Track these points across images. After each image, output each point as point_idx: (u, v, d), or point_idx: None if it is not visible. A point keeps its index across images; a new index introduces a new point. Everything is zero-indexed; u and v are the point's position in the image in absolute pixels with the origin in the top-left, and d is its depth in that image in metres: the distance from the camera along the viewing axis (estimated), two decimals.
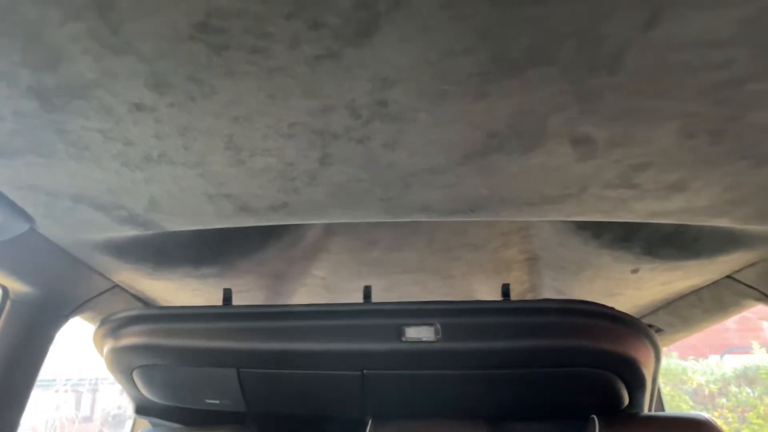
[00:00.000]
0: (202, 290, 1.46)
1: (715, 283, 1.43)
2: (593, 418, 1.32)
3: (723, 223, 1.03)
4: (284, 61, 0.62)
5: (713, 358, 8.36)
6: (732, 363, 7.99)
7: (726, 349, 8.99)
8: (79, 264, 1.21)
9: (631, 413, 1.38)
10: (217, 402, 1.39)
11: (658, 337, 1.33)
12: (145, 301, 1.51)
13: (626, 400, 1.36)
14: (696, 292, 1.52)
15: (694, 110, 0.71)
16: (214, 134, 0.75)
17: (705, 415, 1.30)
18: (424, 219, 1.05)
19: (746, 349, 8.36)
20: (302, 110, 0.71)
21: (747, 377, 7.63)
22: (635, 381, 1.31)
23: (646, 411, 1.43)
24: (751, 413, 7.31)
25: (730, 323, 9.09)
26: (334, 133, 0.76)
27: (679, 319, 1.69)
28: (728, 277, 1.38)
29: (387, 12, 0.55)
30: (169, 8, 0.54)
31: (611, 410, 1.37)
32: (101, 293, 1.33)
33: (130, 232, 1.04)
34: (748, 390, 7.52)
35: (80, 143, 0.76)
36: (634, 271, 1.40)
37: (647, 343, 1.29)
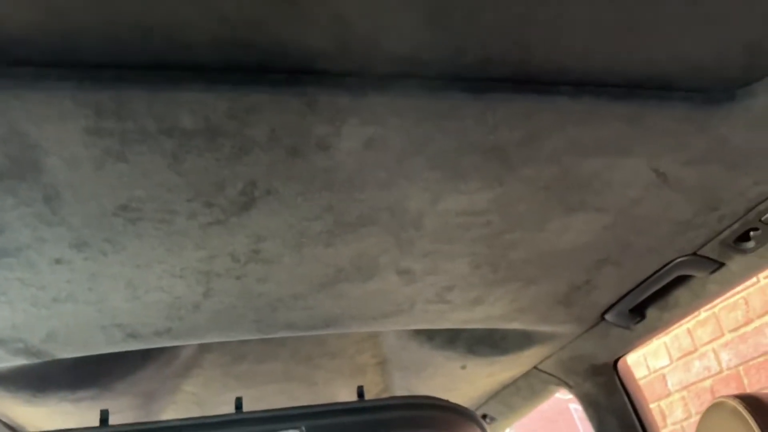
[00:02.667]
0: (75, 414, 1.51)
1: (526, 373, 1.77)
2: None
3: (516, 326, 1.37)
4: (183, 227, 0.84)
5: None
6: None
7: None
8: None
9: None
10: None
11: (489, 425, 1.61)
12: (15, 429, 1.52)
13: None
14: (514, 383, 1.85)
15: (475, 251, 1.03)
16: (117, 278, 0.94)
17: None
18: (289, 334, 1.27)
19: None
20: (193, 258, 0.92)
21: None
22: None
23: None
24: None
25: (557, 416, 9.83)
26: (217, 273, 0.98)
27: (506, 407, 2.01)
28: (534, 368, 1.72)
29: (261, 197, 0.81)
30: (100, 197, 0.76)
31: None
32: None
33: (19, 361, 1.13)
34: None
35: None
36: (463, 367, 1.71)
37: (478, 430, 1.56)
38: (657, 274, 1.19)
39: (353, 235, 0.94)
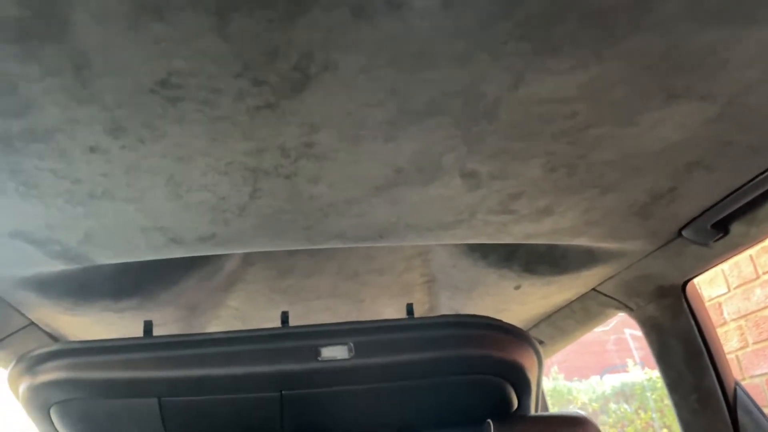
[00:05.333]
0: (118, 324, 1.49)
1: (583, 295, 1.68)
2: (488, 423, 1.49)
3: (583, 241, 1.26)
4: (228, 111, 0.74)
5: (594, 379, 8.91)
6: (611, 381, 8.53)
7: (605, 369, 9.63)
8: None
9: (521, 415, 1.57)
10: None
11: (541, 348, 1.54)
12: (59, 339, 1.51)
13: (515, 404, 1.55)
14: (569, 305, 1.76)
15: (552, 150, 0.91)
16: (158, 172, 0.85)
17: (582, 413, 1.51)
18: (339, 245, 1.19)
19: (623, 368, 8.99)
20: (239, 151, 0.83)
21: (624, 394, 8.18)
22: (522, 385, 1.50)
23: (533, 413, 1.62)
24: (629, 427, 7.86)
25: (609, 345, 9.82)
26: (265, 170, 0.88)
27: (557, 331, 1.93)
28: (593, 289, 1.62)
29: (316, 74, 0.70)
30: (136, 67, 0.66)
31: (503, 414, 1.55)
32: (15, 332, 1.33)
33: (58, 266, 1.08)
34: (626, 406, 8.07)
35: (30, 182, 0.83)
36: (517, 288, 1.62)
37: (531, 351, 1.48)
38: (754, 182, 1.06)
39: (418, 127, 0.82)
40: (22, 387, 1.29)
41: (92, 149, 0.78)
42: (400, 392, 1.44)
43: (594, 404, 8.31)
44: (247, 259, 1.42)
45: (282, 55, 0.67)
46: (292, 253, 1.40)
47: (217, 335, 1.33)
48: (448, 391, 1.48)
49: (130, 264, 1.16)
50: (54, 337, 1.49)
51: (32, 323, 1.38)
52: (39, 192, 0.86)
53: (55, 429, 1.39)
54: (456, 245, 1.47)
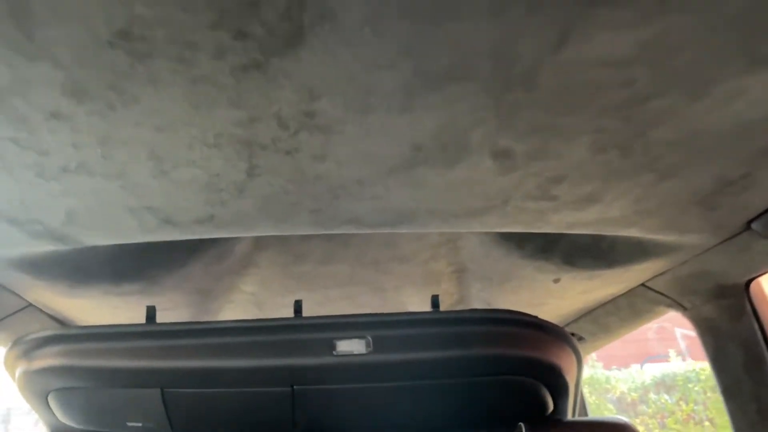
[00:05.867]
0: (123, 308, 1.41)
1: (630, 291, 1.51)
2: (520, 426, 1.35)
3: (633, 233, 1.10)
4: (209, 70, 0.62)
5: (635, 368, 8.69)
6: (651, 371, 8.33)
7: (645, 358, 9.39)
8: None
9: (556, 419, 1.43)
10: (140, 425, 1.33)
11: (579, 345, 1.39)
12: (61, 322, 1.44)
13: (551, 407, 1.41)
14: (613, 301, 1.60)
15: (603, 126, 0.76)
16: (136, 144, 0.74)
17: (624, 419, 1.36)
18: (353, 231, 1.06)
19: (664, 358, 8.74)
20: (228, 120, 0.71)
21: (665, 384, 7.98)
22: (559, 387, 1.36)
23: (570, 417, 1.48)
24: (669, 419, 7.65)
25: (650, 333, 9.53)
26: (262, 144, 0.76)
27: (598, 327, 1.77)
28: (642, 285, 1.46)
29: (311, 25, 0.57)
30: (87, 15, 0.53)
31: (537, 417, 1.41)
32: (13, 313, 1.26)
33: (45, 247, 0.99)
34: (666, 396, 7.87)
35: None
36: (556, 281, 1.47)
37: (569, 351, 1.34)
38: None
39: (439, 94, 0.68)
40: (19, 371, 1.22)
41: (54, 115, 0.67)
42: (422, 392, 1.32)
43: (633, 394, 8.14)
44: (259, 244, 1.31)
45: (266, 0, 0.53)
46: (305, 239, 1.28)
47: (225, 324, 1.23)
48: (475, 392, 1.35)
49: (127, 246, 1.06)
50: (57, 320, 1.41)
51: (31, 305, 1.30)
52: (4, 164, 0.75)
53: (54, 415, 1.32)
54: (488, 233, 1.32)
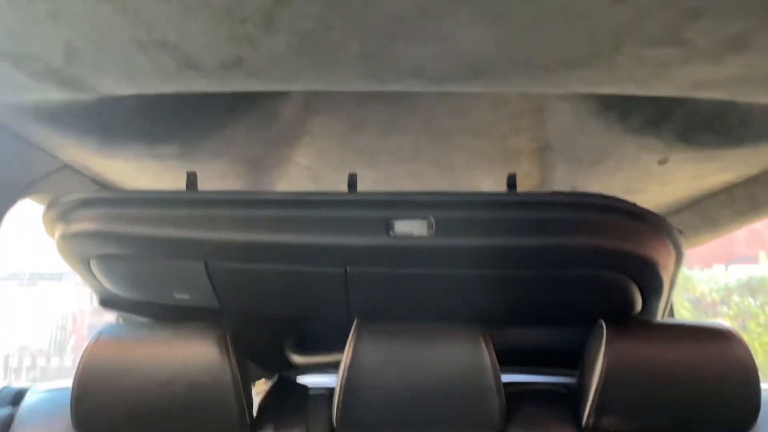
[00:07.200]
0: (164, 174, 1.31)
1: (753, 179, 1.25)
2: (601, 324, 1.19)
3: None
4: None
5: (718, 268, 8.40)
6: (737, 273, 8.05)
7: (731, 259, 9.00)
8: (17, 139, 1.05)
9: (644, 320, 1.26)
10: (187, 297, 1.27)
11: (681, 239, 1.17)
12: (101, 185, 1.36)
13: (639, 306, 1.23)
14: (728, 190, 1.35)
15: None
16: None
17: (727, 324, 1.17)
18: (416, 88, 0.86)
19: (752, 260, 8.35)
20: None
21: (750, 287, 7.75)
22: (652, 286, 1.17)
23: (659, 319, 1.31)
24: (751, 322, 7.44)
25: (739, 233, 9.04)
26: None
27: (704, 221, 1.53)
28: None
29: None
30: None
31: (621, 316, 1.24)
32: (50, 174, 1.18)
33: (57, 93, 0.86)
34: (751, 299, 7.64)
35: None
36: (662, 162, 1.22)
37: (669, 245, 1.14)
38: None
39: None
40: (57, 235, 1.16)
41: None
42: (489, 282, 1.16)
43: (714, 295, 7.94)
44: (309, 106, 1.14)
45: None
46: (362, 102, 1.09)
47: (269, 195, 1.11)
48: (552, 286, 1.18)
49: (152, 99, 0.92)
50: (96, 182, 1.34)
51: (67, 166, 1.22)
52: None
53: (98, 281, 1.27)
54: (584, 100, 1.09)
